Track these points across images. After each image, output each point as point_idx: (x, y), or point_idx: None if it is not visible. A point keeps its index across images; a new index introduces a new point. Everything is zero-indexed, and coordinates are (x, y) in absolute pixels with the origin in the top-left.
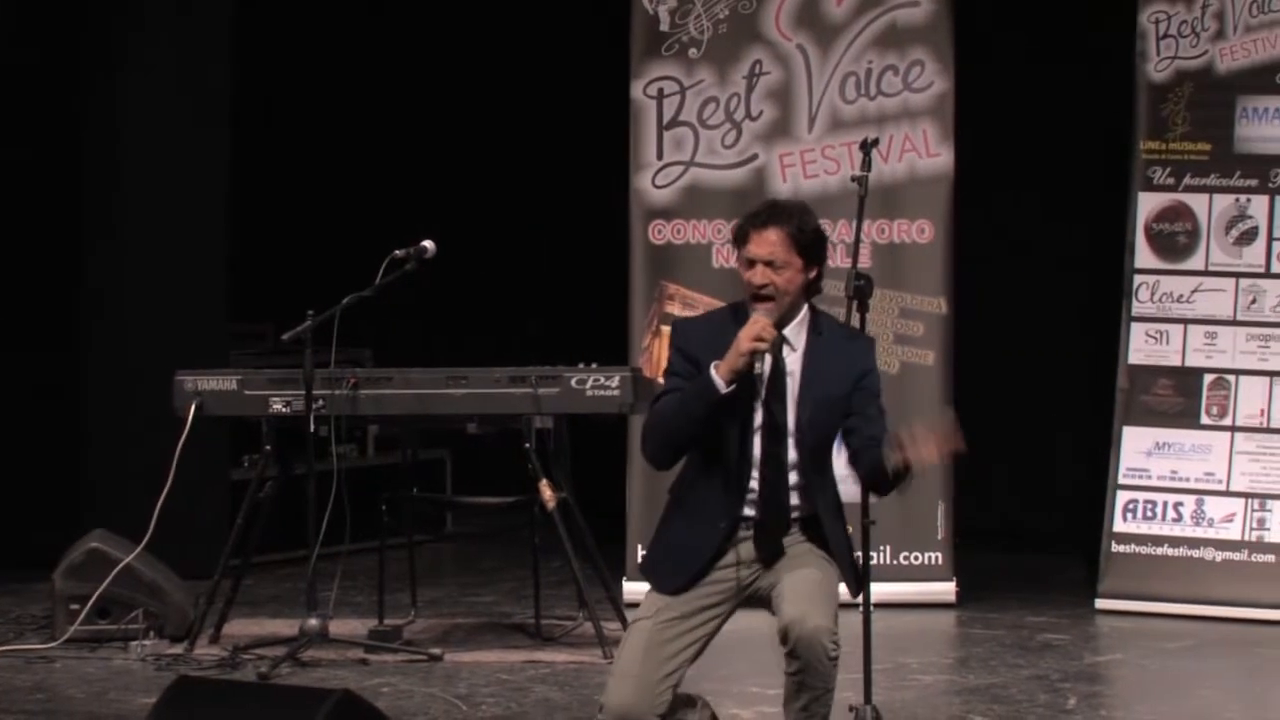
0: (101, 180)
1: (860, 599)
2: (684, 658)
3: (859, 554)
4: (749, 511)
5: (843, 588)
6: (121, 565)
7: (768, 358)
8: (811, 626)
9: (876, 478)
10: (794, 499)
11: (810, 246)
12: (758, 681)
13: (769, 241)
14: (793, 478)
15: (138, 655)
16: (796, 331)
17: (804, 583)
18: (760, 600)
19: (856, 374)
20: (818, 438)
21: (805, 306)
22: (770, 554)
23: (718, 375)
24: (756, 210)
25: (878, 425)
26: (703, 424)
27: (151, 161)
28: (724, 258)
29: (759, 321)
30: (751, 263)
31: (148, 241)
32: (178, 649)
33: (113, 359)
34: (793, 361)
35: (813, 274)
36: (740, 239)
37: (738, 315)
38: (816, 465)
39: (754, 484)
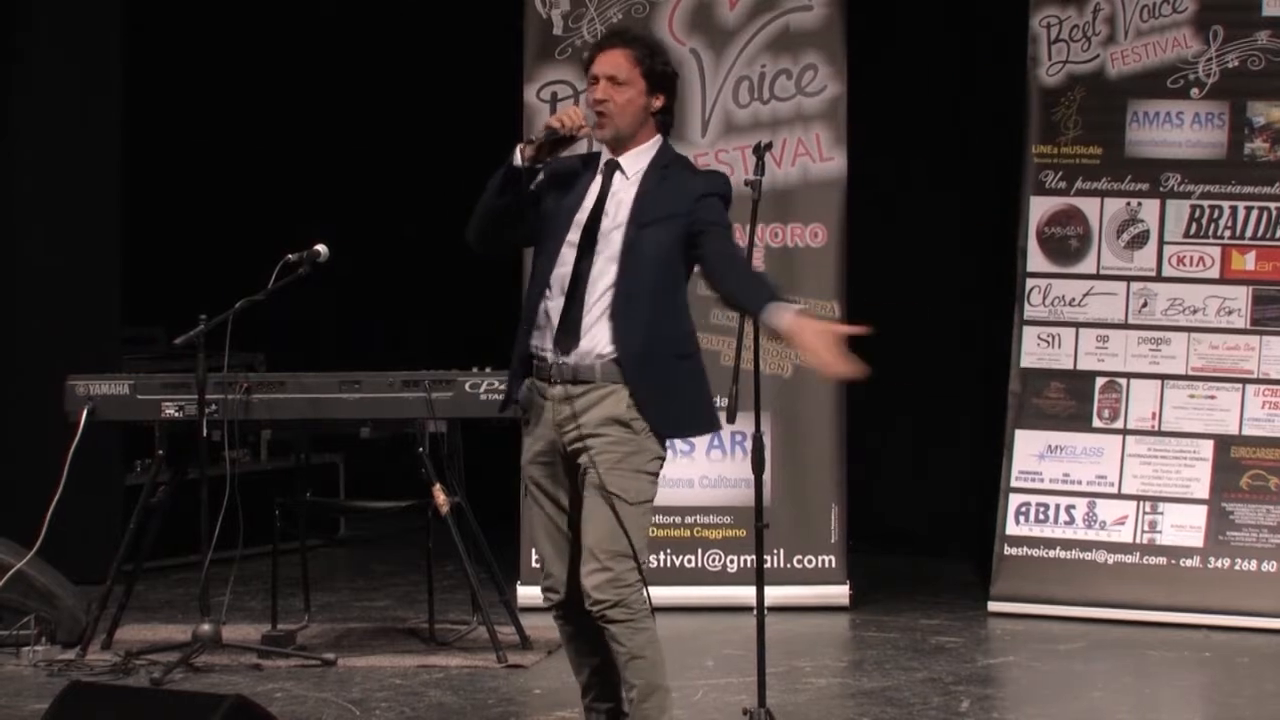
0: None
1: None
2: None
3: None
4: (548, 340)
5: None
6: (13, 571)
7: (597, 180)
8: (593, 584)
9: (739, 309)
10: (603, 327)
11: (656, 73)
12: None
13: (612, 59)
14: (605, 301)
15: (29, 661)
16: (635, 159)
17: (594, 527)
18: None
19: (699, 193)
20: (647, 262)
21: (656, 139)
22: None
23: (518, 150)
24: (607, 33)
25: (730, 246)
26: (498, 195)
27: (43, 163)
28: None
29: (570, 107)
30: (596, 80)
31: (40, 245)
32: (70, 655)
33: (3, 362)
34: (625, 189)
35: (657, 102)
36: (588, 65)
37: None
38: (641, 293)
39: (555, 301)
